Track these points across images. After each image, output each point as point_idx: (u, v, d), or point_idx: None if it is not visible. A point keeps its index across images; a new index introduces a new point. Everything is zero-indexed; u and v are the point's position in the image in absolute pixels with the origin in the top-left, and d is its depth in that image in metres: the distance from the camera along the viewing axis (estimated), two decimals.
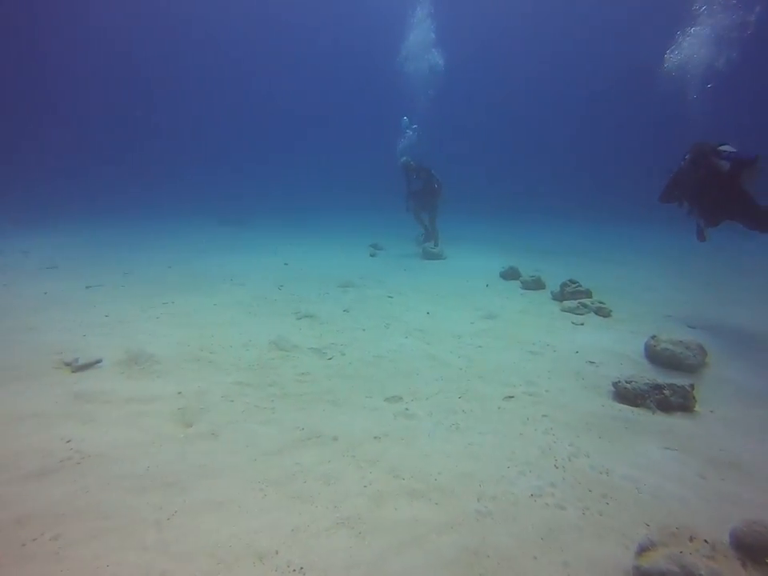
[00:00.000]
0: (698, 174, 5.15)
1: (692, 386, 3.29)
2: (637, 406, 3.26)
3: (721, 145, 5.07)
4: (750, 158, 4.75)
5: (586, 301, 5.75)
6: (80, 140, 34.31)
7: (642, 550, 1.79)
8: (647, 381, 3.35)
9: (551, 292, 6.39)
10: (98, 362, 3.67)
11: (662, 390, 3.26)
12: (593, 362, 4.06)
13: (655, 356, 4.10)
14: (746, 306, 6.15)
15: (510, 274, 7.50)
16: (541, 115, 35.43)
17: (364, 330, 4.76)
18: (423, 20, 16.19)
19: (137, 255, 8.97)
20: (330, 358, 4.01)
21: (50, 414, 2.87)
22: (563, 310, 5.64)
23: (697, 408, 3.24)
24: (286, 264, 8.36)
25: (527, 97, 35.61)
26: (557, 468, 2.49)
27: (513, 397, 3.36)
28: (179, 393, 3.24)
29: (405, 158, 10.30)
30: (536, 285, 6.85)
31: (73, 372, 3.49)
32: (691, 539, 1.77)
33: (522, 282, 7.02)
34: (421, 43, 15.51)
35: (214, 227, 14.18)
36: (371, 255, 9.79)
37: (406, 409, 3.12)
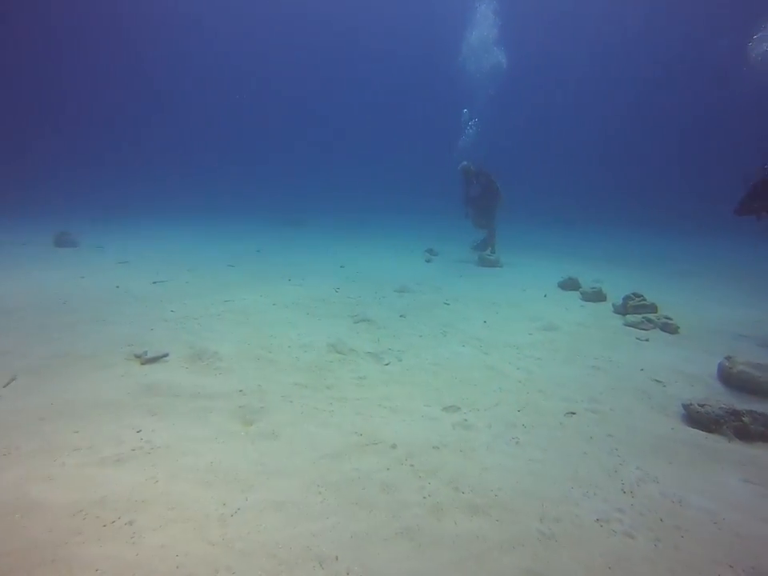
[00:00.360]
0: None
1: None
2: (711, 431, 3.06)
3: None
4: None
5: (652, 315, 5.50)
6: (158, 147, 36.24)
7: None
8: (723, 405, 3.15)
9: (613, 305, 6.14)
10: (165, 355, 3.82)
11: (741, 416, 3.05)
12: (660, 381, 3.86)
13: (730, 378, 3.84)
14: None
15: (569, 285, 7.28)
16: (608, 124, 34.43)
17: (420, 336, 4.74)
18: (486, 17, 16.04)
19: (201, 253, 9.33)
20: (387, 364, 4.01)
21: (122, 403, 3.00)
22: (626, 325, 5.41)
23: None
24: (342, 266, 8.46)
25: (587, 109, 34.72)
26: (624, 492, 2.37)
27: (575, 413, 3.23)
28: (240, 391, 3.32)
29: (465, 163, 10.20)
30: (596, 296, 6.61)
31: (142, 364, 3.65)
32: None
33: (581, 293, 6.79)
34: (482, 41, 15.38)
35: (275, 227, 14.55)
36: (427, 260, 9.76)
37: (465, 419, 3.06)
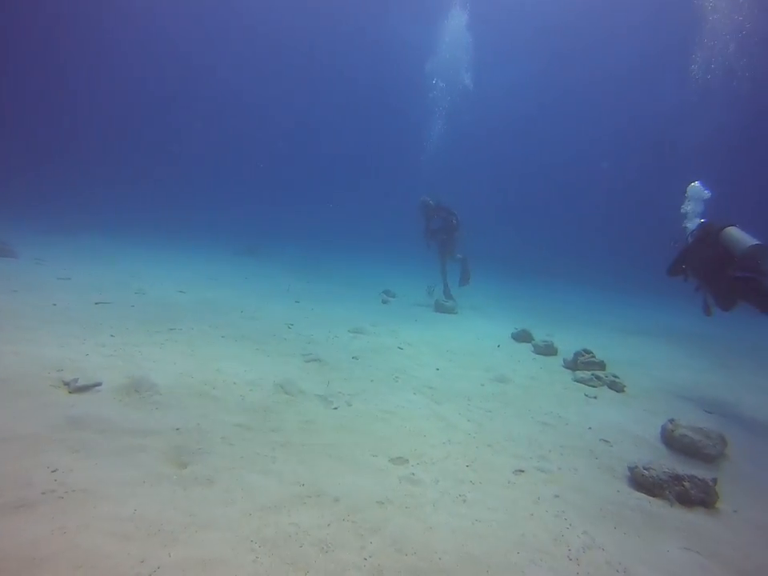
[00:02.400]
0: (708, 254, 5.18)
1: (715, 481, 3.10)
2: (654, 495, 3.07)
3: (728, 225, 5.08)
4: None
5: (600, 373, 5.60)
6: (108, 161, 35.33)
7: None
8: (666, 470, 3.17)
9: (563, 359, 6.24)
10: (98, 384, 3.54)
11: (683, 481, 3.07)
12: (607, 441, 3.88)
13: (672, 441, 3.91)
14: (760, 393, 5.96)
15: (521, 337, 7.37)
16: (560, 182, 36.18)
17: (372, 380, 4.62)
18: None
19: (151, 276, 8.96)
20: (335, 408, 3.86)
21: (39, 437, 2.71)
22: (576, 381, 5.48)
23: (718, 505, 3.05)
24: (297, 302, 8.30)
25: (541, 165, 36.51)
26: (570, 560, 2.29)
27: (523, 471, 3.18)
28: (177, 429, 3.10)
29: (424, 197, 10.38)
30: (548, 350, 6.71)
31: (70, 393, 3.36)
32: None
33: (533, 346, 6.89)
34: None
35: (228, 255, 14.25)
36: (383, 302, 9.72)
37: (412, 473, 2.94)
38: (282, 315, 7.02)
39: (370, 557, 2.12)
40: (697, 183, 5.79)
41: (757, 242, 4.75)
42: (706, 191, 5.69)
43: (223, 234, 19.68)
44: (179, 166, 38.15)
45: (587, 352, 6.05)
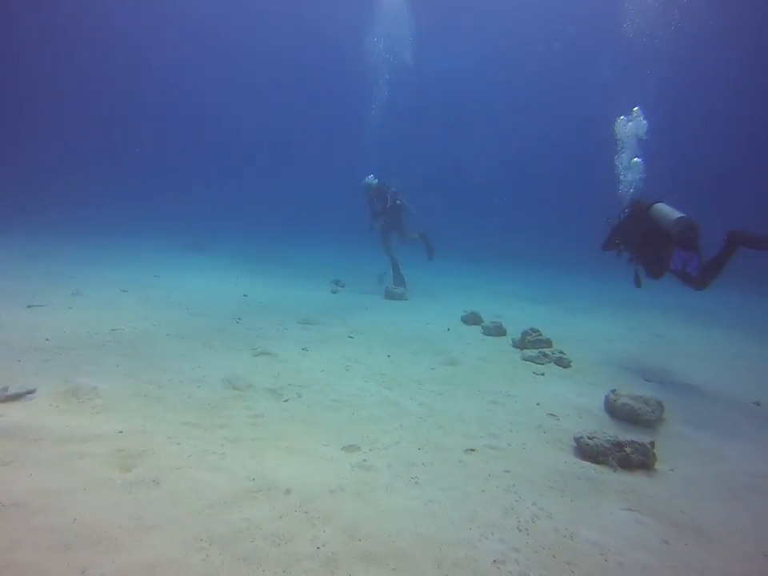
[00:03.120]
0: (639, 228, 5.52)
1: (653, 444, 3.26)
2: (599, 463, 3.20)
3: (657, 202, 5.44)
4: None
5: (547, 350, 5.77)
6: (37, 148, 33.32)
7: None
8: (609, 438, 3.31)
9: (512, 339, 6.40)
10: (31, 392, 3.35)
11: (624, 447, 3.22)
12: (554, 415, 4.01)
13: (615, 410, 4.09)
14: (695, 359, 6.34)
15: (471, 319, 7.50)
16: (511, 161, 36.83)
17: (323, 371, 4.59)
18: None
19: (91, 275, 8.53)
20: (286, 400, 3.81)
21: None
22: (524, 359, 5.64)
23: (657, 466, 3.21)
24: (245, 295, 8.13)
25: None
26: (520, 530, 2.36)
27: (474, 450, 3.24)
28: (120, 432, 2.98)
29: (367, 179, 10.35)
30: (497, 331, 6.86)
31: (0, 402, 3.17)
32: None
33: (483, 328, 7.02)
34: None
35: (175, 252, 13.77)
36: (333, 292, 9.66)
37: (364, 460, 2.95)
38: (229, 310, 6.86)
39: (323, 545, 2.11)
40: (637, 159, 6.13)
41: (681, 215, 5.07)
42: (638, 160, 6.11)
43: (168, 230, 18.97)
44: (118, 158, 36.41)
45: (534, 331, 6.23)
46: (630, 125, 6.35)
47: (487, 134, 36.50)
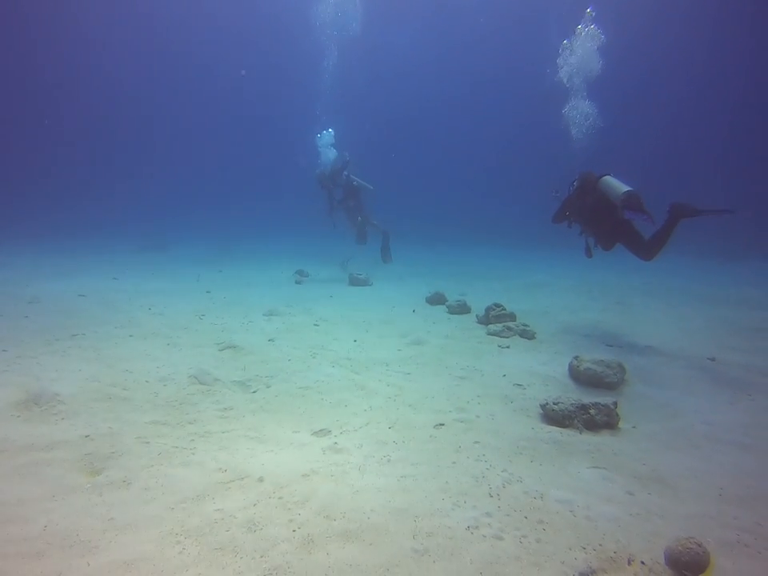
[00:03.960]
0: (588, 201, 5.69)
1: (615, 404, 3.38)
2: (565, 426, 3.29)
3: (603, 175, 5.61)
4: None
5: (511, 324, 5.88)
6: None
7: None
8: (573, 401, 3.41)
9: (476, 316, 6.48)
10: None
11: (588, 409, 3.32)
12: (520, 385, 4.10)
13: (578, 376, 4.21)
14: (653, 323, 6.57)
15: (435, 299, 7.56)
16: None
17: (290, 360, 4.55)
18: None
19: (45, 281, 8.20)
20: (254, 391, 3.77)
21: None
22: (489, 334, 5.72)
23: (620, 425, 3.33)
24: (208, 292, 7.97)
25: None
26: (491, 496, 2.41)
27: (444, 424, 3.29)
28: (87, 436, 2.89)
29: (318, 170, 10.25)
30: (461, 309, 6.94)
31: None
32: (629, 562, 1.75)
33: (447, 307, 7.09)
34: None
35: (133, 253, 13.36)
36: (297, 282, 9.57)
37: (335, 443, 2.95)
38: (192, 307, 6.72)
39: (299, 528, 2.11)
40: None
41: (629, 189, 5.25)
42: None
43: (126, 231, 18.38)
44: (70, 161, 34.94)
45: (498, 306, 6.31)
46: (581, 41, 5.88)
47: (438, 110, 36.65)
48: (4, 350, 4.42)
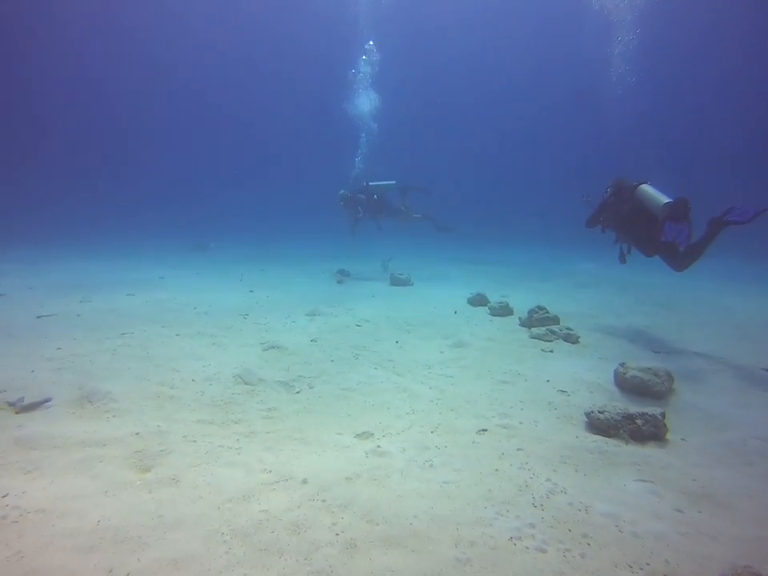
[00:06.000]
0: (625, 209, 5.64)
1: (663, 415, 3.28)
2: (610, 436, 3.22)
3: (641, 183, 5.53)
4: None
5: (554, 327, 5.78)
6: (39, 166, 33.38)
7: None
8: (620, 410, 3.33)
9: (519, 318, 6.41)
10: (47, 401, 3.41)
11: (635, 419, 3.24)
12: (564, 391, 4.03)
13: (624, 383, 4.10)
14: (699, 329, 6.32)
15: (477, 301, 7.51)
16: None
17: (332, 360, 4.63)
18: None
19: (97, 282, 8.60)
20: (297, 392, 3.86)
21: None
22: (532, 337, 5.65)
23: (668, 437, 3.23)
24: (251, 291, 8.17)
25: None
26: (535, 507, 2.40)
27: (486, 430, 3.27)
28: (137, 434, 3.03)
29: (341, 192, 10.53)
30: (504, 311, 6.87)
31: (17, 413, 3.23)
32: None
33: (489, 309, 7.03)
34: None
35: (178, 253, 13.83)
36: (338, 282, 9.69)
37: (378, 446, 2.98)
38: (236, 306, 6.90)
39: (342, 532, 2.15)
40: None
41: (669, 201, 5.10)
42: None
43: (168, 233, 19.04)
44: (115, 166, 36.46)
45: (541, 308, 6.23)
46: None
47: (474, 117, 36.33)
48: (59, 349, 4.66)
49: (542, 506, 2.41)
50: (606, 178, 6.23)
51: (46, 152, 34.69)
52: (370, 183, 10.53)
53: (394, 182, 10.76)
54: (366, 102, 15.36)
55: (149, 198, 31.22)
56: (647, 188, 5.42)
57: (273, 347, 4.93)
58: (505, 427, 3.33)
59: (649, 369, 4.09)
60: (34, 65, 34.24)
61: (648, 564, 2.00)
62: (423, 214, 10.97)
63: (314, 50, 34.38)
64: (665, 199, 5.16)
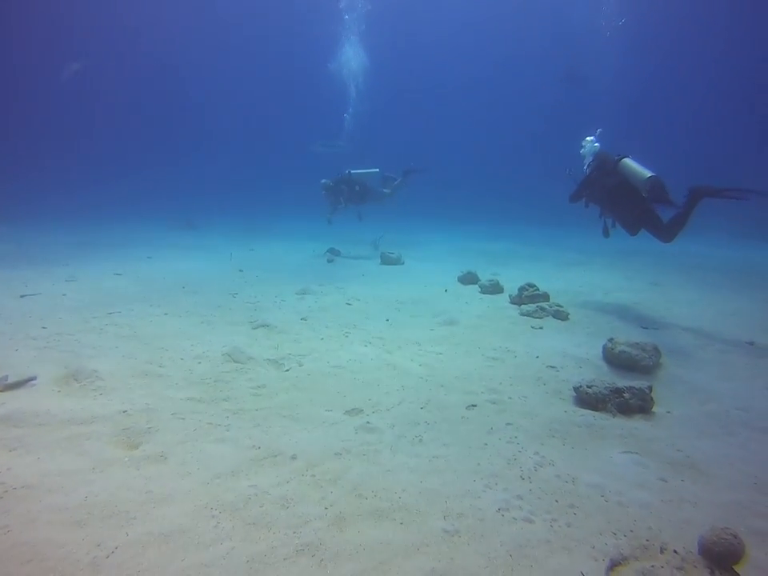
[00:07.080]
0: (608, 183, 5.67)
1: (650, 388, 3.32)
2: (598, 410, 3.26)
3: (623, 157, 5.57)
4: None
5: (544, 304, 5.80)
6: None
7: (614, 564, 1.73)
8: (607, 384, 3.36)
9: (509, 296, 6.42)
10: (32, 379, 3.37)
11: (622, 393, 3.28)
12: (553, 367, 4.06)
13: (613, 358, 4.14)
14: (690, 304, 6.38)
15: (468, 279, 7.51)
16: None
17: (322, 338, 4.62)
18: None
19: (82, 260, 8.47)
20: (287, 370, 3.85)
21: None
22: (522, 314, 5.66)
23: (655, 409, 3.28)
24: (240, 270, 8.10)
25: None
26: (523, 479, 2.42)
27: (476, 405, 3.29)
28: (124, 411, 3.01)
29: (323, 181, 10.52)
30: (494, 289, 6.87)
31: (1, 392, 3.19)
32: (662, 551, 1.73)
33: (480, 287, 7.04)
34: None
35: (166, 231, 13.66)
36: (328, 260, 9.63)
37: (368, 422, 2.99)
38: (225, 285, 6.85)
39: (331, 506, 2.17)
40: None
41: (651, 174, 5.19)
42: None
43: (158, 209, 18.78)
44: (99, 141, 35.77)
45: (531, 286, 6.23)
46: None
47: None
48: (44, 327, 4.59)
49: (529, 478, 2.44)
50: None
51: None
52: (352, 171, 10.45)
53: (377, 169, 10.71)
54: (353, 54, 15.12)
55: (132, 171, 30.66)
56: (629, 162, 5.47)
57: (262, 326, 4.90)
58: (494, 402, 3.35)
59: (637, 344, 4.12)
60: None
61: (632, 531, 2.04)
62: (401, 177, 10.97)
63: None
64: (647, 173, 5.23)
